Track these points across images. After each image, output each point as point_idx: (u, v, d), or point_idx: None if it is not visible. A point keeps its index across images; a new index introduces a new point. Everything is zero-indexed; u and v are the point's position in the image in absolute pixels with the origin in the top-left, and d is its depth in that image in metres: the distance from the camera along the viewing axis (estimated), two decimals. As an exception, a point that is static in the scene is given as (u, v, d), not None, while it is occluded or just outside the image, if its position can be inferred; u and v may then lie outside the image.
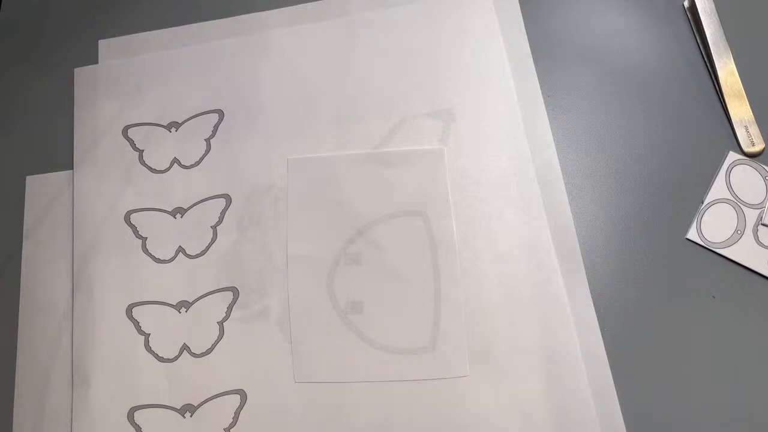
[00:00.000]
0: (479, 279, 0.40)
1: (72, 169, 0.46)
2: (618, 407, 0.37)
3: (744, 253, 0.40)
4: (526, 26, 0.46)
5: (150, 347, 0.41)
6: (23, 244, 0.44)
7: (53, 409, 0.40)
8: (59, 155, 0.46)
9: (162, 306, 0.42)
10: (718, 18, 0.44)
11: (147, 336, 0.41)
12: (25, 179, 0.46)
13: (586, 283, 0.40)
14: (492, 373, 0.38)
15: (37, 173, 0.46)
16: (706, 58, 0.44)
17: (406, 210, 0.42)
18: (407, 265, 0.41)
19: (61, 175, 0.45)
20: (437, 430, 0.38)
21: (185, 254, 0.43)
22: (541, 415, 0.37)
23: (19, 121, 0.48)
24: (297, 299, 0.41)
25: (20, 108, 0.48)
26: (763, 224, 0.40)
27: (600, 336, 0.39)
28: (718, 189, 0.41)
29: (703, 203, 0.41)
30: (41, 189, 0.45)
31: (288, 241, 0.42)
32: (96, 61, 0.48)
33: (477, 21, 0.46)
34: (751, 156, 0.42)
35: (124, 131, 0.46)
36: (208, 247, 0.43)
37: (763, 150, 0.42)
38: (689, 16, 0.46)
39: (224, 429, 0.39)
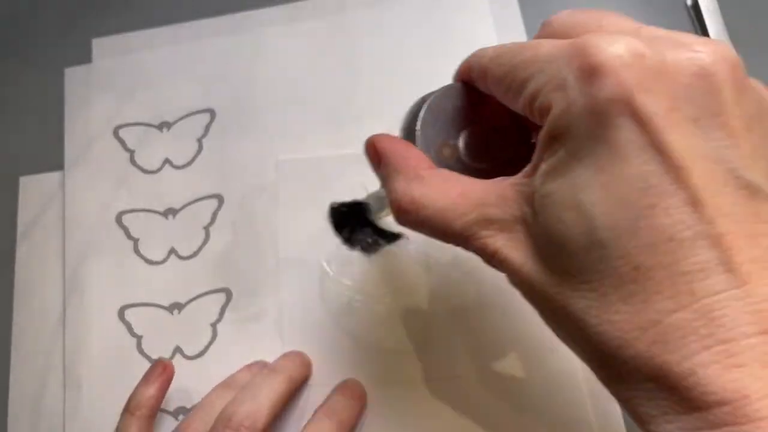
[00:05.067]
0: (475, 277, 0.40)
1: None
2: (618, 407, 0.37)
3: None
4: (525, 25, 0.45)
5: (143, 349, 0.41)
6: (17, 245, 0.44)
7: (48, 413, 0.40)
8: (53, 155, 0.46)
9: (154, 308, 0.42)
10: (721, 16, 0.44)
11: (139, 338, 0.41)
12: (18, 180, 0.46)
13: (585, 284, 0.39)
14: (489, 373, 0.38)
15: (31, 174, 0.46)
16: (708, 57, 0.44)
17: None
18: (401, 266, 0.40)
19: (55, 176, 0.45)
20: (434, 430, 0.37)
21: (177, 255, 0.43)
22: (540, 414, 0.37)
23: (13, 121, 0.48)
24: (290, 301, 0.41)
25: (14, 108, 0.48)
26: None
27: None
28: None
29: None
30: (35, 190, 0.45)
31: (280, 243, 0.42)
32: (89, 60, 0.48)
33: (473, 19, 0.45)
34: (755, 156, 0.41)
35: (115, 131, 0.46)
36: (200, 248, 0.43)
37: (767, 150, 0.41)
38: (692, 14, 0.45)
39: (216, 432, 0.39)
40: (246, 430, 0.33)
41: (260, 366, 0.39)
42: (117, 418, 0.39)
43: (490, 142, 0.27)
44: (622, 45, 0.19)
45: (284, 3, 0.47)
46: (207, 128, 0.45)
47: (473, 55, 0.26)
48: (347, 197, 0.42)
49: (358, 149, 0.44)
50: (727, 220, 0.18)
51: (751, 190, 0.19)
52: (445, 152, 0.26)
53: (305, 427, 0.36)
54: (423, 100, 0.27)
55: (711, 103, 0.19)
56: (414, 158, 0.25)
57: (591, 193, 0.19)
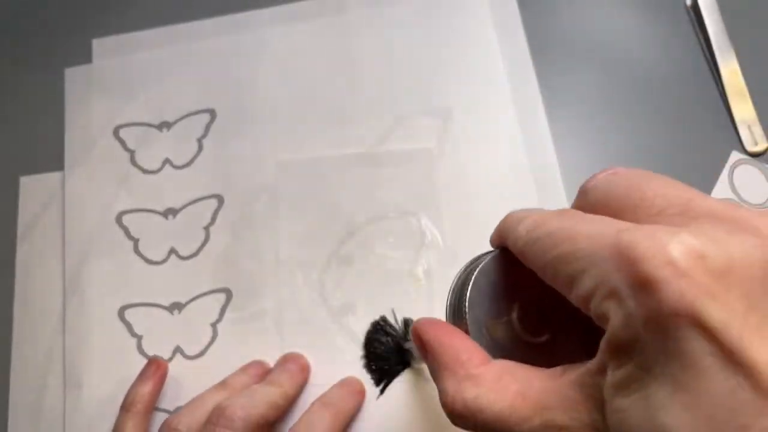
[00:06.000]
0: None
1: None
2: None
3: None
4: (524, 24, 0.45)
5: (143, 349, 0.41)
6: (17, 245, 0.44)
7: (48, 413, 0.40)
8: (53, 155, 0.46)
9: (154, 308, 0.42)
10: (721, 16, 0.44)
11: (139, 338, 0.41)
12: (18, 180, 0.45)
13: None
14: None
15: (31, 174, 0.45)
16: (709, 57, 0.44)
17: (399, 210, 0.42)
18: (400, 266, 0.40)
19: (55, 176, 0.45)
20: (435, 430, 0.37)
21: (177, 255, 0.43)
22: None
23: (13, 121, 0.48)
24: (289, 301, 0.41)
25: (14, 108, 0.48)
26: (767, 226, 0.40)
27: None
28: (721, 189, 0.41)
29: (705, 204, 0.40)
30: (35, 190, 0.45)
31: (280, 243, 0.42)
32: (89, 60, 0.48)
33: (473, 19, 0.45)
34: (755, 156, 0.41)
35: (116, 131, 0.46)
36: (200, 248, 0.42)
37: (767, 150, 0.41)
38: (692, 14, 0.45)
39: (217, 432, 0.39)
40: (240, 420, 0.33)
41: (256, 367, 0.39)
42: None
43: (546, 309, 0.24)
44: (676, 247, 0.17)
45: (284, 3, 0.47)
46: (207, 128, 0.45)
47: (504, 229, 0.23)
48: (348, 196, 0.42)
49: (358, 149, 0.44)
50: None
51: None
52: (498, 333, 0.24)
53: (301, 417, 0.36)
54: (468, 273, 0.25)
55: None
56: (465, 351, 0.23)
57: (672, 415, 0.17)
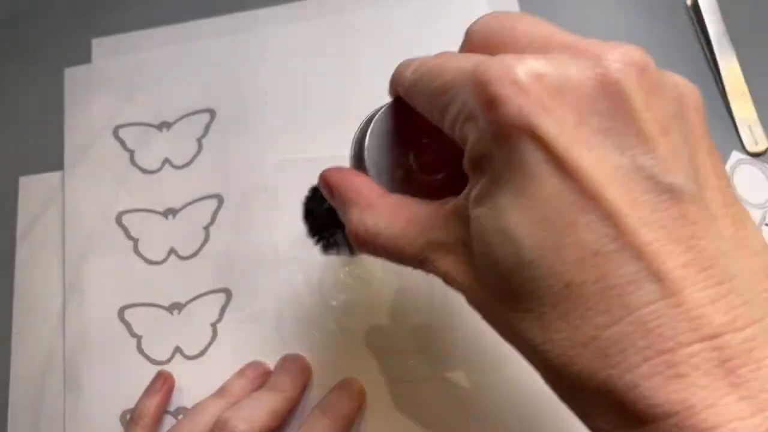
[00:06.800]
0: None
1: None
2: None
3: (747, 255, 0.39)
4: (524, 24, 0.45)
5: (142, 349, 0.41)
6: (17, 246, 0.44)
7: (48, 413, 0.40)
8: (53, 155, 0.46)
9: (154, 308, 0.42)
10: (721, 16, 0.44)
11: (139, 338, 0.41)
12: (18, 180, 0.45)
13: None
14: (490, 372, 0.38)
15: (31, 174, 0.45)
16: (709, 57, 0.44)
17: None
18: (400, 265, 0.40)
19: (55, 176, 0.45)
20: (436, 429, 0.37)
21: (177, 255, 0.43)
22: (541, 414, 0.37)
23: (13, 121, 0.48)
24: (290, 301, 0.41)
25: (14, 108, 0.48)
26: (767, 224, 0.40)
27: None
28: (720, 190, 0.41)
29: (705, 204, 0.40)
30: (35, 190, 0.45)
31: (280, 243, 0.42)
32: (89, 60, 0.48)
33: (473, 19, 0.45)
34: (755, 155, 0.41)
35: (115, 131, 0.46)
36: (200, 248, 0.43)
37: (767, 150, 0.41)
38: (692, 14, 0.45)
39: (216, 432, 0.39)
40: None
41: (255, 368, 0.39)
42: (117, 418, 0.39)
43: (440, 152, 0.26)
44: (520, 69, 0.19)
45: (284, 3, 0.47)
46: (207, 128, 0.45)
47: (395, 77, 0.26)
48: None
49: (359, 149, 0.44)
50: (650, 228, 0.18)
51: (674, 193, 0.18)
52: (397, 174, 0.26)
53: (301, 425, 0.36)
54: (367, 123, 0.27)
55: (620, 111, 0.19)
56: (366, 187, 0.26)
57: (513, 215, 0.19)
